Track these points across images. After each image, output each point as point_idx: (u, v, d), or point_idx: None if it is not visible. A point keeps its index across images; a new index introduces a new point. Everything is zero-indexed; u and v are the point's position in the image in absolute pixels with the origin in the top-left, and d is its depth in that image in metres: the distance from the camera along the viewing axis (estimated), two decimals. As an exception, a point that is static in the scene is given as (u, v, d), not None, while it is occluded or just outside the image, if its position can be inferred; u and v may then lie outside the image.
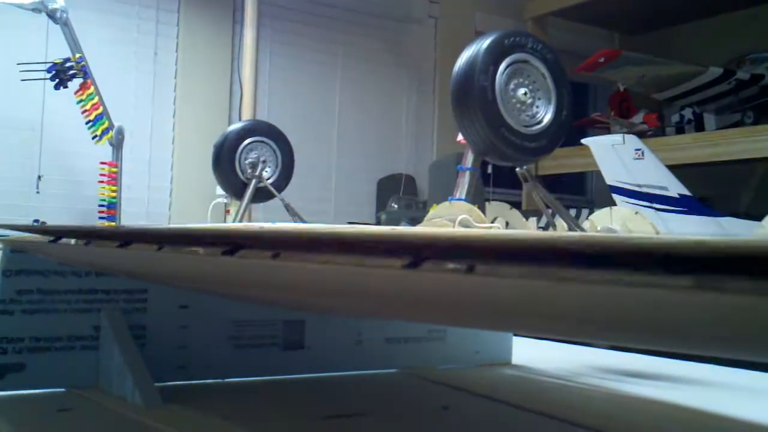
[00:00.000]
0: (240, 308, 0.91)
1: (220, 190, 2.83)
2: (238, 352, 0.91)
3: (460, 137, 1.00)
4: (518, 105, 0.95)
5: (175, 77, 3.35)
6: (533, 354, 1.19)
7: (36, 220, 2.66)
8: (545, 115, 0.98)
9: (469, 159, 0.97)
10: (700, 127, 3.44)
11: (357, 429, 0.68)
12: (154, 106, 3.28)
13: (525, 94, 0.95)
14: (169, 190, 3.29)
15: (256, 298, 0.82)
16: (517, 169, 1.05)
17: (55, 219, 2.73)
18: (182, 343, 0.87)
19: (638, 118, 3.63)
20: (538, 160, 0.97)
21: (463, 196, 0.98)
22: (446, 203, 0.98)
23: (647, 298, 0.26)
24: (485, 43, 0.93)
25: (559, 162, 3.52)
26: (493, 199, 1.70)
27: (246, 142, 1.71)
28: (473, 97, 0.91)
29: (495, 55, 0.92)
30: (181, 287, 0.85)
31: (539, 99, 0.98)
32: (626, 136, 2.68)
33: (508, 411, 0.78)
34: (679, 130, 3.55)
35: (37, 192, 2.74)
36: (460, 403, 0.82)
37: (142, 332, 0.84)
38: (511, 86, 0.95)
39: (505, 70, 0.94)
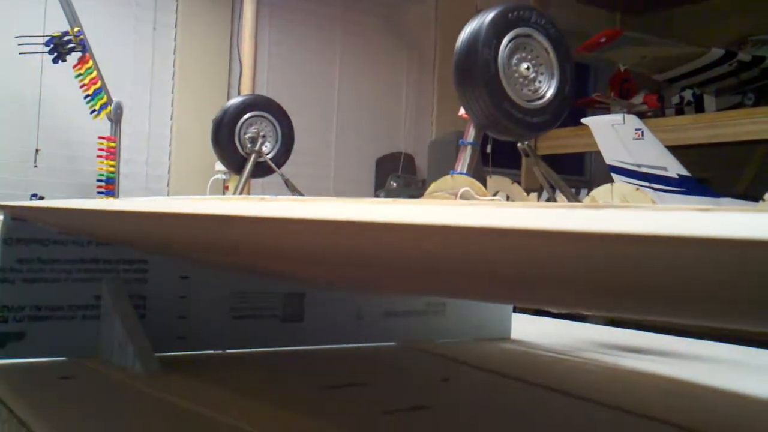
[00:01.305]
0: (240, 280, 0.91)
1: (218, 166, 2.83)
2: (237, 324, 0.91)
3: (462, 111, 1.00)
4: (521, 79, 0.94)
5: (174, 53, 3.33)
6: (532, 329, 1.19)
7: (34, 195, 2.66)
8: (548, 90, 0.97)
9: (471, 133, 0.96)
10: (700, 108, 3.44)
11: (357, 399, 0.69)
12: (153, 81, 3.26)
13: (528, 68, 0.95)
14: (168, 165, 3.28)
15: (255, 264, 0.82)
16: (519, 145, 1.05)
17: (53, 194, 2.73)
18: (182, 314, 0.87)
19: (638, 98, 3.63)
20: (540, 134, 0.97)
21: (465, 170, 0.98)
22: (448, 177, 0.97)
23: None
24: (489, 16, 0.92)
25: (559, 142, 3.51)
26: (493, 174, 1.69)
27: (246, 116, 1.70)
28: (476, 71, 0.90)
29: (498, 28, 0.92)
30: (180, 256, 0.85)
31: (542, 74, 0.97)
32: (626, 116, 2.67)
33: (508, 383, 0.78)
34: (679, 111, 3.54)
35: (35, 166, 2.73)
36: (460, 375, 0.82)
37: (142, 302, 0.84)
38: (514, 60, 0.94)
39: (508, 44, 0.93)
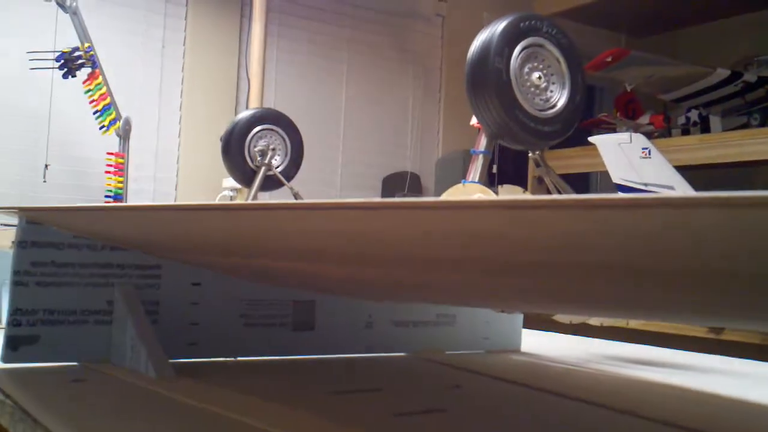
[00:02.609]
0: (251, 288, 0.91)
1: (226, 183, 2.84)
2: (248, 331, 0.91)
3: (473, 121, 1.00)
4: (532, 89, 0.95)
5: (183, 70, 3.35)
6: (541, 343, 1.19)
7: (42, 210, 2.65)
8: (559, 99, 0.98)
9: (482, 143, 0.97)
10: (705, 128, 3.44)
11: (368, 403, 0.68)
12: (161, 98, 3.28)
13: (539, 78, 0.95)
14: (175, 182, 3.29)
15: (266, 266, 0.82)
16: (530, 154, 1.05)
17: (60, 209, 2.73)
18: (194, 320, 0.87)
19: (644, 119, 3.63)
20: (551, 144, 0.97)
21: (477, 179, 0.98)
22: (459, 185, 0.98)
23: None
24: (500, 26, 0.93)
25: (565, 162, 3.51)
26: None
27: (256, 129, 1.71)
28: (488, 80, 0.91)
29: (510, 38, 0.92)
30: (192, 259, 0.86)
31: (553, 83, 0.98)
32: (633, 134, 2.67)
33: (520, 390, 0.78)
34: (685, 131, 3.55)
35: (44, 181, 2.74)
36: (471, 383, 0.82)
37: (154, 308, 0.85)
38: (526, 70, 0.95)
39: (519, 53, 0.94)
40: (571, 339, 1.31)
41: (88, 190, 2.89)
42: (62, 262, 0.80)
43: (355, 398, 0.69)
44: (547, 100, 0.97)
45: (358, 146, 3.84)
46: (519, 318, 1.12)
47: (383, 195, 3.84)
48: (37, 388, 0.67)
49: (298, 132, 1.77)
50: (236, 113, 3.39)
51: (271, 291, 0.92)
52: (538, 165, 1.05)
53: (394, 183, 3.86)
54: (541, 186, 3.58)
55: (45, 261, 0.80)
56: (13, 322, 0.78)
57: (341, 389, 0.74)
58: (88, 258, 0.82)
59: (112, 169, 2.67)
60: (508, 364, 0.97)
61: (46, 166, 2.74)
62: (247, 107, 3.02)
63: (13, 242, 1.17)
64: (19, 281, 0.78)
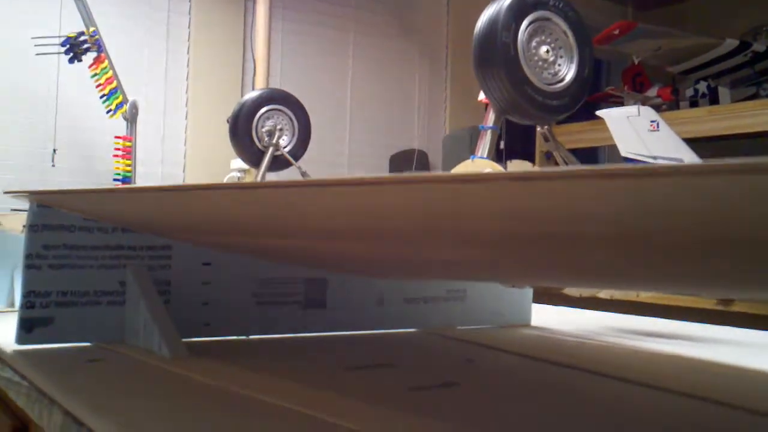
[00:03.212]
0: (262, 266, 0.91)
1: (234, 164, 2.84)
2: (260, 310, 0.91)
3: (481, 96, 1.00)
4: (540, 63, 0.94)
5: (188, 53, 3.35)
6: (551, 317, 1.19)
7: (51, 195, 2.66)
8: (567, 73, 0.97)
9: (490, 118, 0.97)
10: (714, 100, 3.42)
11: (383, 378, 0.69)
12: (167, 81, 3.28)
13: (547, 51, 0.95)
14: (183, 164, 3.29)
15: (277, 245, 0.82)
16: (539, 129, 1.05)
17: (70, 193, 2.74)
18: (206, 300, 0.88)
19: (652, 92, 3.61)
20: (560, 117, 0.97)
21: (485, 155, 0.98)
22: (468, 161, 0.98)
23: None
24: (507, 0, 0.92)
25: (573, 137, 3.50)
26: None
27: (263, 110, 1.70)
28: (496, 55, 0.90)
29: (517, 12, 0.92)
30: (202, 238, 0.86)
31: (561, 57, 0.97)
32: (641, 107, 2.66)
33: (534, 364, 0.78)
34: (693, 103, 3.52)
35: (53, 166, 2.75)
36: (484, 357, 0.82)
37: (166, 288, 0.85)
38: (534, 44, 0.94)
39: (527, 27, 0.93)
40: (580, 312, 1.31)
41: (96, 174, 2.90)
42: (74, 244, 0.81)
43: (369, 374, 0.70)
44: (555, 74, 0.96)
45: (364, 125, 3.83)
46: (529, 292, 1.12)
47: (391, 172, 3.84)
48: (53, 369, 0.67)
49: (305, 112, 1.77)
50: (242, 95, 3.38)
51: (282, 269, 0.93)
52: (546, 140, 1.04)
53: (401, 161, 3.86)
54: (549, 161, 3.57)
55: (57, 244, 0.80)
56: (26, 305, 0.78)
57: (355, 365, 0.75)
58: (100, 240, 0.82)
59: (120, 153, 2.68)
60: (520, 338, 0.97)
61: (54, 150, 2.75)
62: (253, 88, 3.01)
63: (24, 226, 1.18)
64: (31, 264, 0.79)
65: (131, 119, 2.72)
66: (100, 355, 0.75)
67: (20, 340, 0.78)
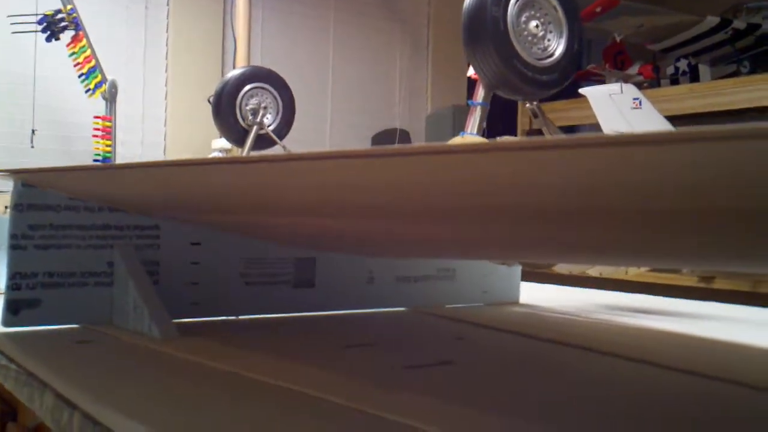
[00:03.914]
0: (251, 246, 0.90)
1: (215, 144, 2.81)
2: (249, 290, 0.91)
3: (470, 72, 0.99)
4: (530, 38, 0.94)
5: (167, 32, 3.31)
6: (539, 295, 1.20)
7: (30, 176, 2.63)
8: (557, 48, 0.96)
9: (480, 94, 0.96)
10: (695, 78, 3.43)
11: (377, 356, 0.68)
12: (146, 60, 3.24)
13: (537, 26, 0.94)
14: (163, 145, 3.26)
15: (266, 226, 0.81)
16: (527, 105, 1.04)
17: (49, 174, 2.71)
18: (194, 280, 0.87)
19: (633, 69, 3.61)
20: (550, 92, 0.96)
21: (475, 131, 0.97)
22: (458, 137, 0.97)
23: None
24: (497, -26, 0.91)
25: (555, 115, 3.50)
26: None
27: (246, 88, 1.69)
28: (485, 30, 0.89)
29: (507, -14, 0.91)
30: (191, 219, 0.85)
31: (551, 32, 0.96)
32: (624, 85, 2.66)
33: (525, 341, 0.78)
34: (674, 81, 3.53)
35: (32, 147, 2.72)
36: (475, 335, 0.82)
37: (154, 268, 0.84)
38: (523, 18, 0.93)
39: (516, 1, 0.92)
40: (568, 290, 1.31)
41: (76, 155, 2.87)
42: (60, 224, 0.79)
43: (362, 352, 0.69)
44: (545, 49, 0.95)
45: (346, 105, 3.81)
46: (517, 270, 1.12)
47: (373, 153, 3.82)
48: (42, 351, 0.66)
49: (289, 90, 1.75)
50: (223, 74, 3.35)
51: (271, 249, 0.92)
52: (535, 116, 1.04)
53: (383, 140, 3.85)
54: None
55: (43, 224, 0.79)
56: (12, 286, 0.77)
57: (348, 344, 0.74)
58: (87, 220, 0.81)
59: (99, 133, 2.65)
60: (511, 316, 0.97)
61: (33, 131, 2.71)
62: (234, 67, 2.98)
63: (6, 207, 1.16)
64: (17, 245, 0.77)
65: (110, 99, 2.69)
66: (89, 336, 0.74)
67: (6, 322, 0.76)
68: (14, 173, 0.79)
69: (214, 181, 0.63)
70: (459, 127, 2.99)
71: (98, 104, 2.71)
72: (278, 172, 0.54)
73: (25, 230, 0.78)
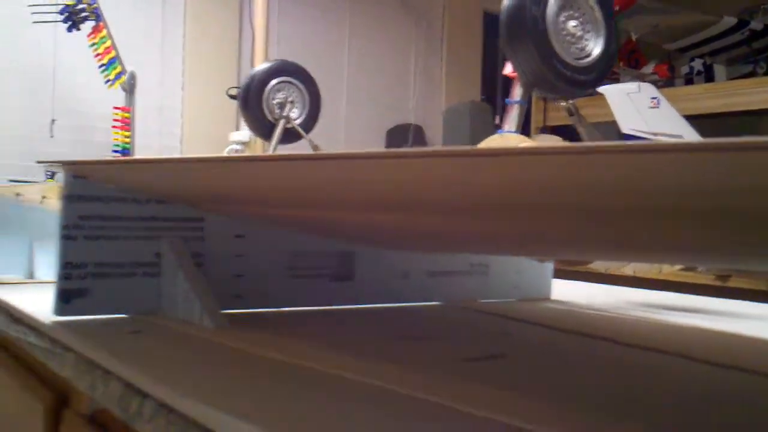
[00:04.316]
0: (293, 239, 0.92)
1: (233, 137, 2.83)
2: (292, 282, 0.92)
3: (508, 70, 1.00)
4: (568, 37, 0.94)
5: (184, 24, 3.31)
6: (569, 291, 1.21)
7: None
8: (594, 47, 0.97)
9: (518, 92, 0.97)
10: (710, 78, 3.43)
11: (432, 349, 0.69)
12: (163, 52, 3.25)
13: (575, 26, 0.95)
14: (180, 137, 3.27)
15: (308, 220, 0.82)
16: (563, 104, 1.05)
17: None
18: (239, 272, 0.88)
19: (648, 68, 3.61)
20: (587, 92, 0.97)
21: (513, 129, 0.98)
22: (496, 136, 0.98)
23: None
24: (538, -27, 0.92)
25: (570, 112, 3.50)
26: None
27: (273, 82, 1.70)
28: (525, 28, 0.90)
29: (547, -15, 0.92)
30: (236, 212, 0.86)
31: (588, 32, 0.97)
32: (641, 84, 2.66)
33: (570, 337, 0.79)
34: (689, 81, 3.53)
35: (51, 137, 2.73)
36: (519, 330, 0.83)
37: (200, 260, 0.85)
38: (562, 18, 0.94)
39: (555, 1, 0.93)
40: (596, 287, 1.32)
41: (95, 146, 2.88)
42: (109, 215, 0.81)
43: (417, 345, 0.70)
44: (583, 48, 0.96)
45: (361, 99, 3.82)
46: (549, 266, 1.13)
47: (387, 147, 3.84)
48: (99, 340, 0.67)
49: (315, 84, 1.76)
50: (239, 65, 3.37)
51: (312, 242, 0.93)
52: (571, 114, 1.05)
53: (397, 135, 3.85)
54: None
55: (92, 215, 0.80)
56: (64, 276, 0.78)
57: (398, 335, 0.75)
58: (134, 211, 0.82)
59: (118, 124, 2.66)
60: (547, 312, 0.98)
61: (53, 121, 2.73)
62: (252, 60, 2.99)
63: (43, 197, 1.17)
64: (67, 235, 0.79)
65: (130, 90, 2.70)
66: (141, 326, 0.75)
67: (58, 311, 0.78)
68: (65, 164, 0.80)
69: (260, 177, 0.65)
70: (476, 123, 2.99)
71: (117, 95, 2.72)
72: (328, 169, 0.55)
73: (76, 221, 0.79)
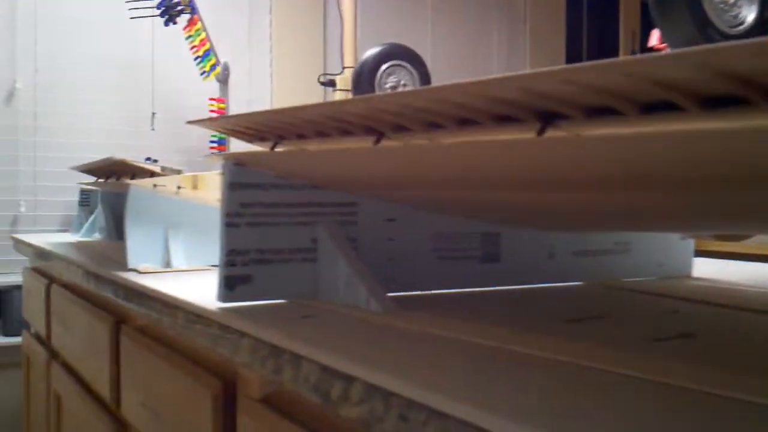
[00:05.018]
0: (441, 222, 0.91)
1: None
2: (441, 265, 0.91)
3: (653, 41, 0.96)
4: (722, 5, 0.91)
5: (270, 13, 3.34)
6: (707, 268, 1.17)
7: (148, 158, 2.70)
8: (748, 15, 0.93)
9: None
10: None
11: (607, 329, 0.68)
12: (251, 42, 3.28)
13: (729, -8, 0.91)
14: (270, 126, 3.30)
15: (455, 200, 0.81)
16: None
17: (165, 156, 2.78)
18: (390, 256, 0.88)
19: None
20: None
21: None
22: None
23: None
24: (690, -61, 0.89)
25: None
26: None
27: (384, 66, 1.69)
28: (678, -3, 0.87)
29: (700, -49, 0.88)
30: (387, 195, 0.85)
31: (741, -1, 0.93)
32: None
33: (742, 314, 0.77)
34: None
35: (152, 129, 2.79)
36: (685, 308, 0.80)
37: (353, 244, 0.85)
38: (715, -16, 0.91)
39: (708, -33, 0.90)
40: (733, 264, 1.28)
41: (190, 137, 2.93)
42: (268, 202, 0.81)
43: (587, 326, 0.69)
44: (736, 16, 0.92)
45: (443, 81, 3.78)
46: (690, 243, 1.10)
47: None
48: (277, 326, 0.68)
49: (425, 66, 1.74)
50: (325, 54, 3.37)
51: (459, 224, 0.92)
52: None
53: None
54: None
55: (253, 202, 0.80)
56: (228, 263, 0.79)
57: (567, 318, 0.74)
58: (291, 198, 0.82)
59: (215, 115, 2.70)
60: (700, 288, 0.95)
61: (153, 114, 2.78)
62: (340, 46, 2.99)
63: (179, 187, 1.19)
64: (231, 222, 0.79)
65: (224, 80, 2.74)
66: (311, 312, 0.75)
67: (224, 297, 0.79)
68: (225, 156, 0.81)
69: (415, 161, 0.64)
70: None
71: (211, 87, 2.76)
72: (477, 152, 0.54)
73: (238, 208, 0.80)
